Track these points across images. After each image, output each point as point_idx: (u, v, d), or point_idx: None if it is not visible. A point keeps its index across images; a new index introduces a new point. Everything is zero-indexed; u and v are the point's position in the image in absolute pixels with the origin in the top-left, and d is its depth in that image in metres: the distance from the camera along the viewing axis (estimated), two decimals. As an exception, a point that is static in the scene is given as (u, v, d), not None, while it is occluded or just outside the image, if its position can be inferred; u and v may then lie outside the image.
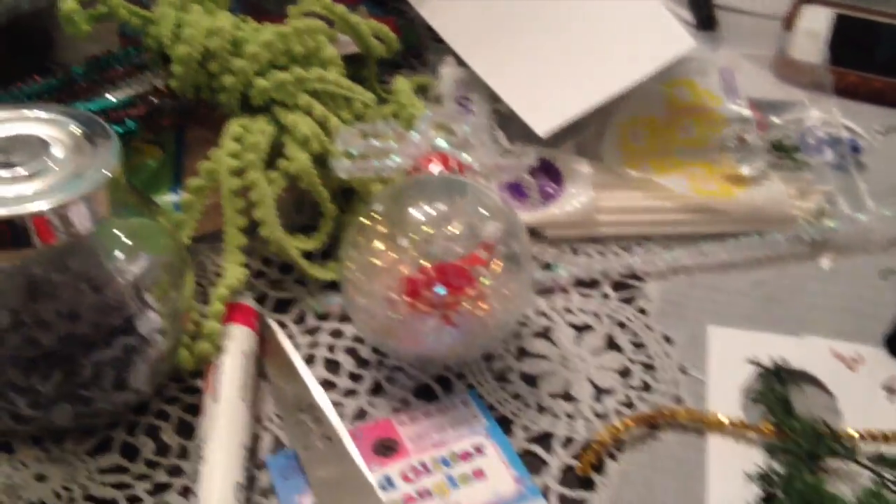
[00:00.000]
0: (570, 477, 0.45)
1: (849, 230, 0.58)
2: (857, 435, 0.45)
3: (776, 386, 0.48)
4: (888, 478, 0.43)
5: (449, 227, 0.46)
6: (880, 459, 0.45)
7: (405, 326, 0.46)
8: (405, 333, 0.47)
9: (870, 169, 0.64)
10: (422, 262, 0.45)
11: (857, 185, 0.60)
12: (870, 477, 0.44)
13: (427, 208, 0.47)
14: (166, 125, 0.58)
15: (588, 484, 0.45)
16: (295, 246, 0.53)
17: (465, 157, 0.54)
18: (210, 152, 0.53)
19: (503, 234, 0.47)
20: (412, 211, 0.47)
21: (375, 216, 0.47)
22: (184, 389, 0.49)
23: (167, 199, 0.56)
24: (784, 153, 0.61)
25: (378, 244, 0.46)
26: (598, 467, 0.46)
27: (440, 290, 0.45)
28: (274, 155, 0.54)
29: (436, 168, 0.51)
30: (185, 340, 0.48)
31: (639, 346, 0.52)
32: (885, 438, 0.45)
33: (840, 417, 0.47)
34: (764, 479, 0.44)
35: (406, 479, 0.44)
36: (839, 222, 0.58)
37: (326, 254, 0.56)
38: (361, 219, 0.48)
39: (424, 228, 0.46)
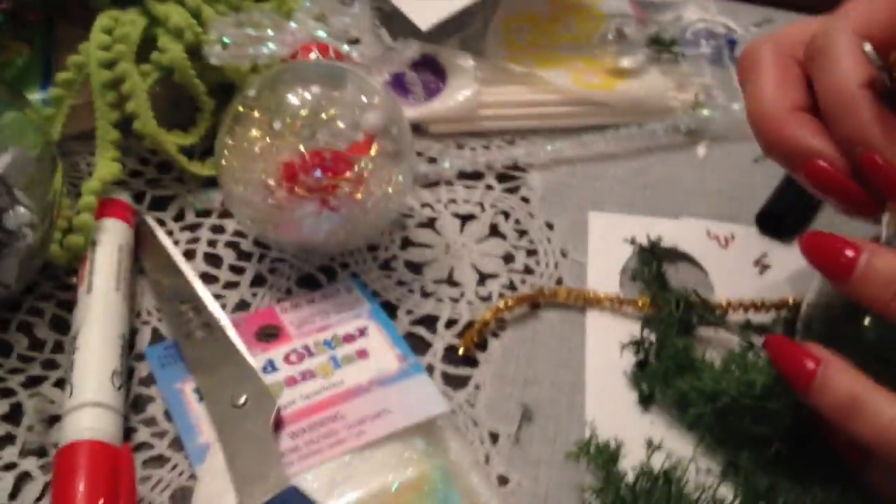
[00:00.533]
0: (454, 355, 0.46)
1: (724, 119, 0.59)
2: (726, 304, 0.47)
3: (652, 263, 0.49)
4: (754, 342, 0.45)
5: (327, 113, 0.45)
6: (747, 326, 0.47)
7: (284, 213, 0.45)
8: (284, 220, 0.46)
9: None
10: (299, 146, 0.45)
11: (732, 76, 0.62)
12: (738, 343, 0.45)
13: (304, 93, 0.46)
14: (33, 21, 0.56)
15: (471, 361, 0.46)
16: (171, 141, 0.52)
17: (346, 48, 0.53)
18: (80, 45, 0.51)
19: (383, 121, 0.47)
20: (288, 96, 0.46)
21: (250, 102, 0.46)
22: (57, 286, 0.47)
23: (36, 96, 0.54)
24: (663, 47, 0.62)
25: (254, 131, 0.46)
26: (481, 345, 0.46)
27: (318, 173, 0.44)
28: (148, 50, 0.52)
29: (314, 56, 0.51)
30: (56, 236, 0.46)
31: (522, 232, 0.53)
32: (754, 307, 0.47)
33: (712, 291, 0.49)
34: (638, 345, 0.45)
35: (289, 362, 0.44)
36: (715, 112, 0.59)
37: (206, 152, 0.55)
38: (236, 105, 0.47)
39: (301, 113, 0.45)
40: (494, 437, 0.43)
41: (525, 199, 0.55)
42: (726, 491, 0.39)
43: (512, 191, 0.55)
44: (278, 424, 0.41)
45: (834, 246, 0.36)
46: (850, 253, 0.35)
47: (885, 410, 0.34)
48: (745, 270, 0.50)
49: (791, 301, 0.47)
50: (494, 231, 0.53)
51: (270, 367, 0.44)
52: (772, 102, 0.38)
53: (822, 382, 0.35)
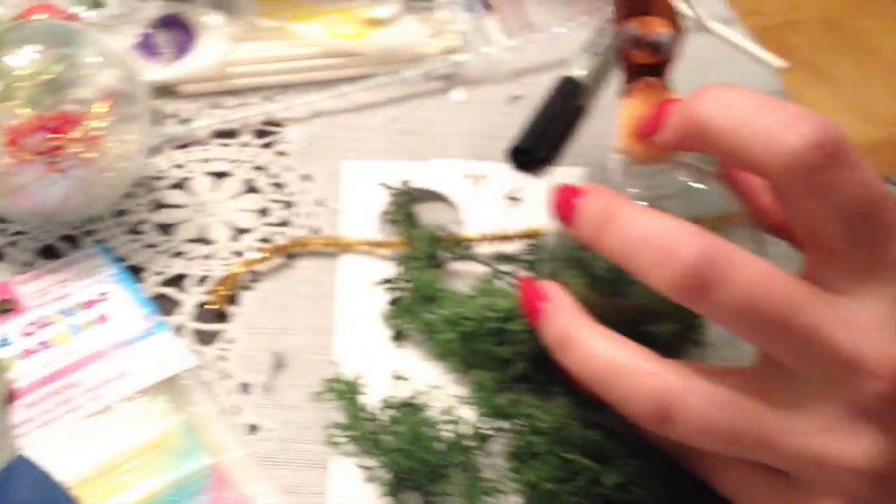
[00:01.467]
0: (206, 312, 0.45)
1: (478, 63, 0.60)
2: (477, 237, 0.48)
3: (404, 204, 0.49)
4: (502, 270, 0.46)
5: (54, 73, 0.44)
6: (497, 256, 0.48)
7: (10, 180, 0.43)
8: (13, 188, 0.44)
9: (496, 10, 0.66)
10: (20, 110, 0.43)
11: (485, 23, 0.63)
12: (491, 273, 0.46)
13: (26, 53, 0.44)
14: None
15: (223, 316, 0.45)
16: None
17: (82, 9, 0.51)
18: None
19: (116, 80, 0.45)
20: (8, 56, 0.44)
21: (-36, 65, 0.44)
22: None
23: None
24: (417, -4, 0.62)
25: (-29, 96, 0.43)
26: (234, 299, 0.46)
27: (42, 135, 0.43)
28: None
29: (42, 16, 0.48)
30: None
31: (278, 186, 0.52)
32: (503, 238, 0.48)
33: (466, 227, 0.50)
34: (389, 283, 0.45)
35: (24, 334, 0.42)
36: (469, 57, 0.60)
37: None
38: (-50, 71, 0.44)
39: (24, 74, 0.43)
40: (246, 388, 0.42)
41: (282, 154, 0.54)
42: (472, 413, 0.40)
43: (269, 146, 0.55)
44: (12, 397, 0.39)
45: (563, 193, 0.37)
46: (572, 198, 0.36)
47: (587, 345, 0.35)
48: (498, 205, 0.51)
49: (535, 230, 0.48)
50: (250, 187, 0.52)
51: (4, 341, 0.42)
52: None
53: (545, 319, 0.37)
